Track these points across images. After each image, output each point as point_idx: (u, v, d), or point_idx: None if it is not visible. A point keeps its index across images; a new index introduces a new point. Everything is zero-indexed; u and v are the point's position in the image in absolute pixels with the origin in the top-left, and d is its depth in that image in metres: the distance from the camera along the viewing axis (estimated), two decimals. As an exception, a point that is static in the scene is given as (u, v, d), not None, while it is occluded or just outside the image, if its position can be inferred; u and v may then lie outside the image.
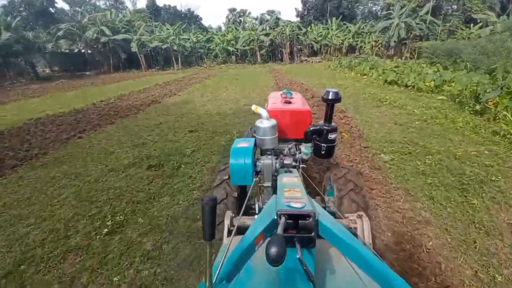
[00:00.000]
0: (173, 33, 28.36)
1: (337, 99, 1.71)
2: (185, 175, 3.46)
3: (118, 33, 27.62)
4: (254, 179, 1.53)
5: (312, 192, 2.26)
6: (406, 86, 8.92)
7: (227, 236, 1.17)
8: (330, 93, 1.71)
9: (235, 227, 1.06)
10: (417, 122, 5.24)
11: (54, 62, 29.18)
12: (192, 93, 10.38)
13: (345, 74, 14.39)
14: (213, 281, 0.61)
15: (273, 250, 0.54)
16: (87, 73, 28.21)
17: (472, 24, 22.25)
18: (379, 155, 3.84)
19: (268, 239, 0.59)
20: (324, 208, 1.30)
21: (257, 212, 1.67)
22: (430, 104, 6.53)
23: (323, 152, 1.85)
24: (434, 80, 8.05)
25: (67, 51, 29.74)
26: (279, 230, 0.69)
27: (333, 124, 1.82)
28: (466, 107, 5.65)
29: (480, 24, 22.07)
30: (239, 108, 7.18)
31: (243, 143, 1.61)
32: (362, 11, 40.95)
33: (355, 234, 1.10)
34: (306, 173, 1.83)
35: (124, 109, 7.64)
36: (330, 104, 1.75)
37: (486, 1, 23.52)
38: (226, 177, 1.76)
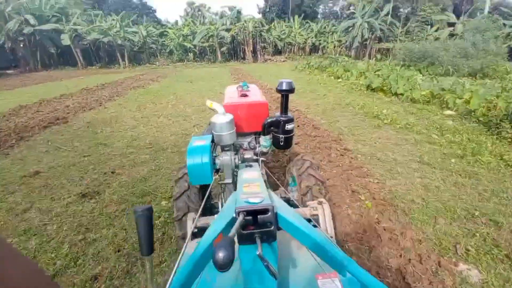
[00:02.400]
0: (118, 25, 24.28)
1: (291, 89, 1.69)
2: None
3: (47, 22, 22.70)
4: (214, 177, 1.47)
5: (273, 184, 2.04)
6: (395, 94, 7.43)
7: (191, 240, 1.06)
8: (284, 84, 1.68)
9: (192, 228, 1.07)
10: (452, 160, 3.51)
11: (-26, 60, 23.08)
12: (125, 104, 7.62)
13: (316, 77, 12.76)
14: None
15: (220, 255, 0.48)
16: (9, 71, 22.74)
17: (429, 26, 22.63)
18: (456, 267, 1.89)
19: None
20: (288, 199, 1.61)
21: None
22: (443, 124, 4.95)
23: (281, 143, 1.80)
24: (431, 89, 6.62)
25: (-15, 46, 23.81)
26: (234, 229, 0.62)
27: (289, 114, 1.78)
28: (504, 133, 4.11)
29: (437, 26, 22.52)
30: (185, 133, 4.80)
31: (200, 141, 1.52)
32: (323, 10, 40.83)
33: (316, 222, 1.19)
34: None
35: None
36: (285, 95, 1.72)
37: (439, 3, 24.17)
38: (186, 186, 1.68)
